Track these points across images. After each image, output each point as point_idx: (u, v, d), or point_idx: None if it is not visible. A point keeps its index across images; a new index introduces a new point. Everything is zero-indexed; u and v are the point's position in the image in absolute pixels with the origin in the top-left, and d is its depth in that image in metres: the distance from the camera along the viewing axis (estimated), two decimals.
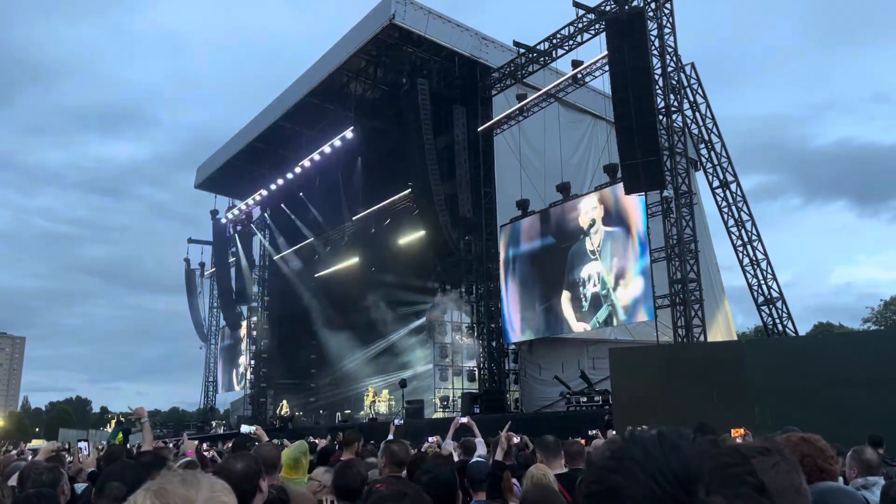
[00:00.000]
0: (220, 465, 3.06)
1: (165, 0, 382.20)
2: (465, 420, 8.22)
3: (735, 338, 29.44)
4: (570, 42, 22.80)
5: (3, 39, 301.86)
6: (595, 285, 21.38)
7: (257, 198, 37.99)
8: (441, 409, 25.57)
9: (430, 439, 9.43)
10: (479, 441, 7.63)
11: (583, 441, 8.72)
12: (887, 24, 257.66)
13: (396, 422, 8.74)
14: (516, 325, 23.90)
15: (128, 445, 11.35)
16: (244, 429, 13.44)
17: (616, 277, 20.62)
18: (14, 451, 13.92)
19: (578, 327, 22.07)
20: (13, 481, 4.58)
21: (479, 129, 25.25)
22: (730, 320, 29.37)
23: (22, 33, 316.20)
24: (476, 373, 25.76)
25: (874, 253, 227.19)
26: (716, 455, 0.74)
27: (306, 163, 33.07)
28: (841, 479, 4.16)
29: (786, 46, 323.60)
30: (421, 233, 26.77)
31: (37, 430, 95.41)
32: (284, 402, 33.77)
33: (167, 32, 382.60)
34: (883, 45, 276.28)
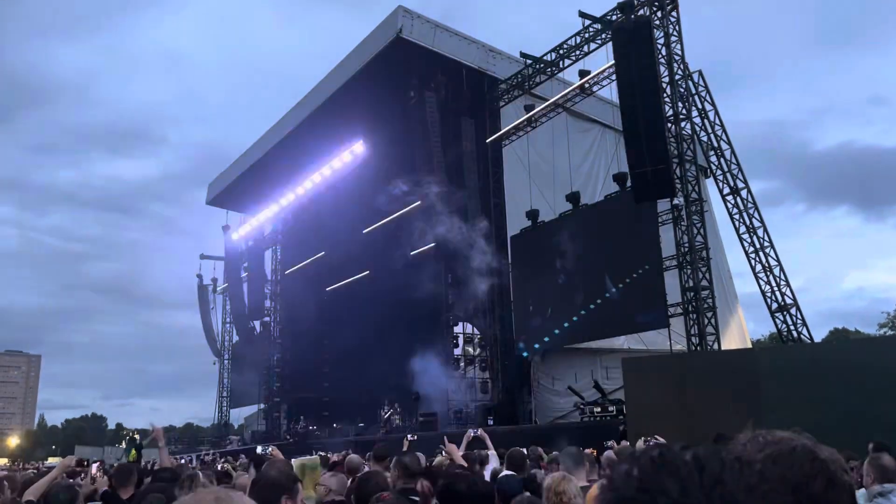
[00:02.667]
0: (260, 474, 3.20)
1: (161, 21, 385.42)
2: (477, 432, 8.20)
3: (749, 345, 29.23)
4: (577, 52, 22.87)
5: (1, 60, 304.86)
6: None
7: (268, 213, 38.24)
8: (454, 422, 25.47)
9: (443, 452, 9.39)
10: (492, 454, 7.60)
11: (593, 451, 8.66)
12: (880, 26, 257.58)
13: (409, 437, 8.69)
14: (528, 336, 23.82)
15: (142, 462, 11.39)
16: (260, 450, 13.44)
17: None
18: (31, 471, 14.00)
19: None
20: (30, 495, 4.61)
21: (487, 141, 25.32)
22: (743, 328, 29.18)
23: (18, 54, 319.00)
24: (489, 385, 25.67)
25: (884, 257, 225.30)
26: (768, 493, 0.62)
27: (316, 177, 33.25)
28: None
29: (781, 52, 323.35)
30: (431, 245, 26.80)
31: (53, 447, 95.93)
32: (301, 418, 33.62)
33: (167, 52, 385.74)
34: (877, 48, 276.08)
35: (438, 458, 8.16)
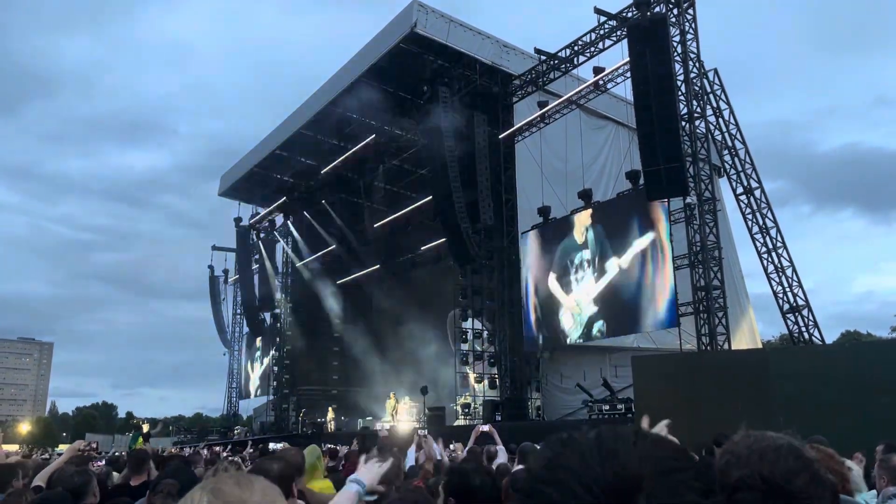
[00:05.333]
0: (257, 465, 3.11)
1: (168, 11, 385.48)
2: (486, 428, 8.20)
3: (760, 346, 29.07)
4: (592, 49, 22.76)
5: (5, 51, 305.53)
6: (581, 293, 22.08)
7: (280, 205, 38.39)
8: (463, 417, 25.51)
9: (451, 446, 9.42)
10: (501, 449, 7.61)
11: None
12: (886, 28, 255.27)
13: (420, 432, 8.68)
14: (538, 333, 23.80)
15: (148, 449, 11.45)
16: (272, 447, 13.49)
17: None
18: (42, 456, 14.13)
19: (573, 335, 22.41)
20: (39, 480, 4.64)
21: (500, 136, 25.27)
22: (754, 328, 29.02)
23: (24, 44, 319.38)
24: (497, 380, 25.68)
25: (894, 261, 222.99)
26: (658, 460, 0.70)
27: (328, 170, 33.30)
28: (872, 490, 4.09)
29: (786, 52, 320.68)
30: (442, 240, 26.80)
31: (64, 434, 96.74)
32: (331, 409, 33.61)
33: (175, 43, 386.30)
34: (883, 49, 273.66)
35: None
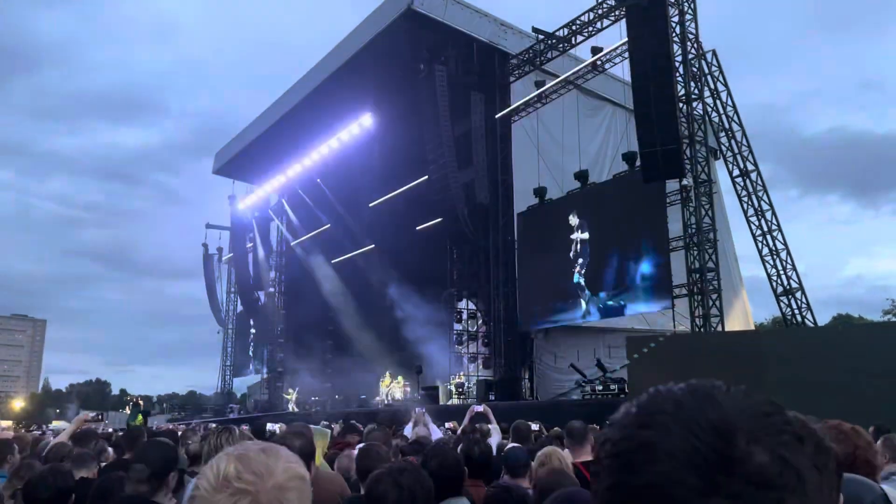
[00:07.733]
0: (279, 439, 3.24)
1: None
2: (480, 408, 8.25)
3: (752, 328, 29.23)
4: (590, 28, 22.61)
5: None
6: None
7: (275, 184, 38.24)
8: (456, 396, 25.63)
9: (446, 425, 9.48)
10: (494, 427, 7.65)
11: (599, 428, 8.72)
12: (872, 11, 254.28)
13: (417, 409, 8.72)
14: (531, 313, 23.87)
15: (147, 425, 11.52)
16: (270, 427, 13.48)
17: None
18: (37, 432, 14.16)
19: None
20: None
21: (496, 116, 25.15)
22: (747, 310, 29.15)
23: (4, 18, 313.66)
24: (491, 360, 25.78)
25: (882, 245, 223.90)
26: (753, 404, 0.71)
27: (324, 149, 33.14)
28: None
29: (771, 35, 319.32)
30: (437, 220, 26.75)
31: (57, 411, 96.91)
32: (291, 389, 34.03)
33: (161, 20, 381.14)
34: (867, 34, 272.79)
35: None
